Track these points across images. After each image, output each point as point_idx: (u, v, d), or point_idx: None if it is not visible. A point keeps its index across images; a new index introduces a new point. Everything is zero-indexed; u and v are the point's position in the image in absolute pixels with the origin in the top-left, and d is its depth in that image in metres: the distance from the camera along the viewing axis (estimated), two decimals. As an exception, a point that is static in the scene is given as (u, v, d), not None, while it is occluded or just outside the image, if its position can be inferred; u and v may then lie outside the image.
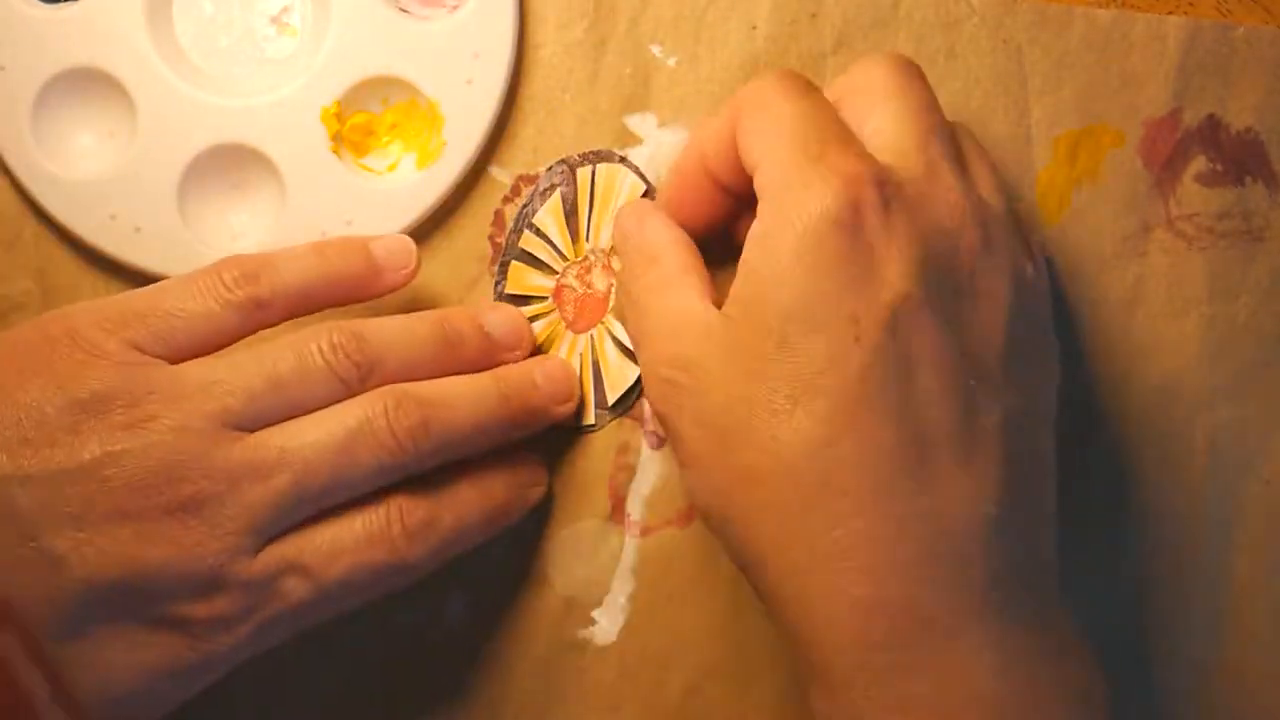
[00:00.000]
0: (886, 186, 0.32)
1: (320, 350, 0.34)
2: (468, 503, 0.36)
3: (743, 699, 0.40)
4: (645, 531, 0.40)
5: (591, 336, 0.40)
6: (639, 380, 0.40)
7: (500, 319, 0.38)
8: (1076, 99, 0.41)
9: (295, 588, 0.34)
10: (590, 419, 0.40)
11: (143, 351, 0.34)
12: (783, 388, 0.31)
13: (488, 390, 0.37)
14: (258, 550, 0.33)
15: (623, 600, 0.40)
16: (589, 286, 0.40)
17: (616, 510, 0.40)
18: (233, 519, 0.33)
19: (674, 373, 0.33)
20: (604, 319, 0.40)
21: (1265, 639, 0.41)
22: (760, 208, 0.33)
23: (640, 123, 0.40)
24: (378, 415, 0.34)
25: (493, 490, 0.37)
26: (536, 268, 0.40)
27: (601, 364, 0.40)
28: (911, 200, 0.32)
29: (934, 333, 0.32)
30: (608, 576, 0.40)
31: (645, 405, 0.41)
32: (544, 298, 0.40)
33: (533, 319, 0.40)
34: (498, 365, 0.38)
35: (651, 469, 0.40)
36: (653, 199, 0.40)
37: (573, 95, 0.40)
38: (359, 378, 0.35)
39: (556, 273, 0.40)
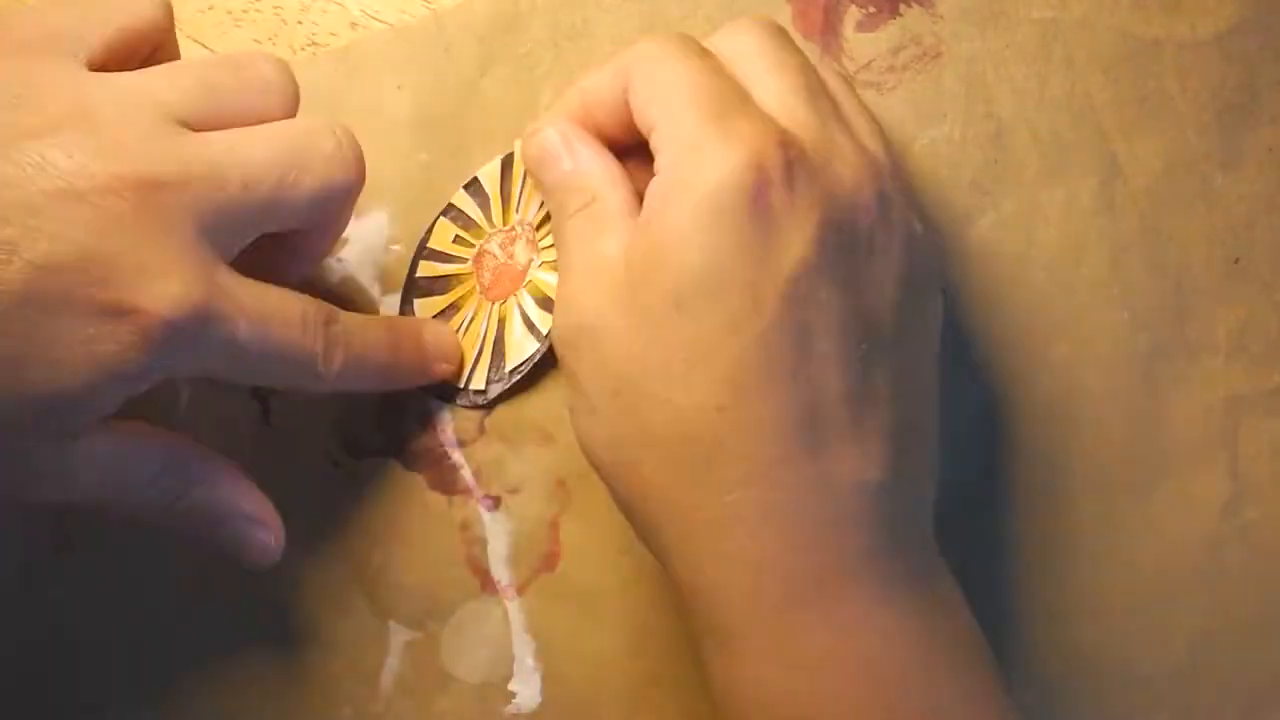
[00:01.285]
0: (789, 150, 0.32)
1: (255, 62, 0.36)
2: (376, 344, 0.38)
3: (682, 693, 0.40)
4: (520, 589, 0.40)
5: (501, 306, 0.40)
6: (535, 353, 0.40)
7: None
8: (717, 9, 0.41)
9: (243, 328, 0.33)
10: (481, 385, 0.40)
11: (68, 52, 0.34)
12: (680, 351, 0.31)
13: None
14: (214, 260, 0.33)
15: (531, 662, 0.40)
16: (510, 257, 0.40)
17: (485, 583, 0.40)
18: (188, 211, 0.32)
19: (582, 318, 0.34)
20: (517, 292, 0.40)
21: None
22: (660, 166, 0.33)
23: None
24: (318, 128, 0.35)
25: (404, 345, 0.39)
26: (463, 227, 0.41)
27: (506, 334, 0.40)
28: (812, 165, 0.32)
29: (832, 299, 0.32)
30: (507, 647, 0.40)
31: (465, 475, 0.41)
32: (464, 259, 0.41)
33: (447, 277, 0.41)
34: None
35: (499, 530, 0.40)
36: None
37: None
38: (288, 84, 0.36)
39: (482, 237, 0.41)
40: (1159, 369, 0.41)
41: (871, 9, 0.42)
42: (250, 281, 0.34)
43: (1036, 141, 0.41)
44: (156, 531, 0.41)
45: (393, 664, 0.40)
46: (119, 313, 0.31)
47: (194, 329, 0.32)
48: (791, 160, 0.32)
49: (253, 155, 0.34)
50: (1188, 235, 0.41)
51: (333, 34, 0.43)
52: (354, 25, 0.43)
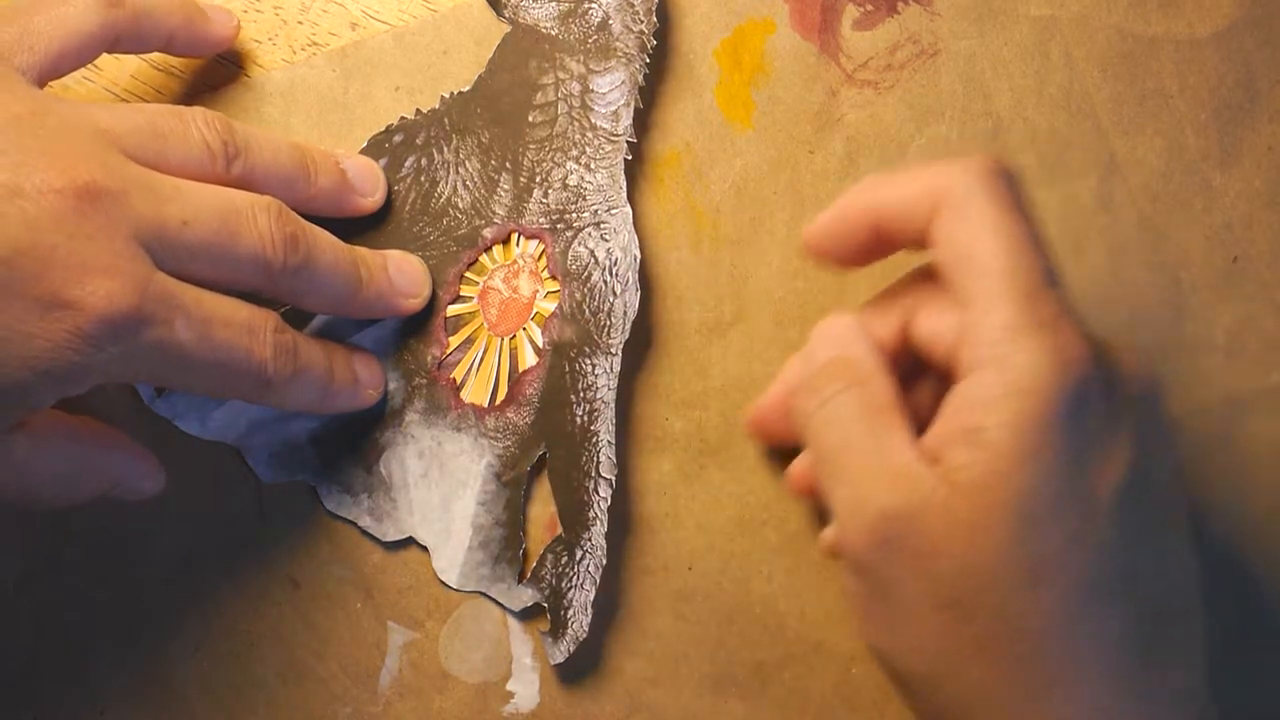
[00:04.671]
0: (1105, 363, 0.32)
1: (194, 119, 0.36)
2: (317, 359, 0.38)
3: (680, 693, 0.40)
4: (518, 589, 0.40)
5: (511, 340, 0.40)
6: None
7: (358, 165, 0.40)
8: (714, 8, 0.41)
9: (182, 329, 0.33)
10: None
11: (16, 66, 0.35)
12: (1026, 564, 0.31)
13: (347, 257, 0.38)
14: (151, 270, 0.33)
15: (529, 661, 0.40)
16: (515, 291, 0.40)
17: (484, 583, 0.40)
18: (129, 222, 0.33)
19: (894, 527, 0.32)
20: (525, 325, 0.40)
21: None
22: (980, 366, 0.31)
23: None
24: (260, 209, 0.36)
25: (337, 365, 0.39)
26: (467, 265, 0.41)
27: (518, 368, 0.40)
28: (1120, 376, 0.32)
29: (1155, 504, 0.32)
30: (505, 647, 0.40)
31: (464, 475, 0.40)
32: (469, 298, 0.41)
33: (456, 317, 0.40)
34: (348, 210, 0.40)
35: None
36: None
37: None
38: (226, 156, 0.36)
39: (485, 274, 0.41)
40: (1158, 368, 0.41)
41: (869, 7, 0.42)
42: (191, 286, 0.34)
43: (1035, 140, 0.41)
44: (156, 533, 0.41)
45: (391, 664, 0.40)
46: (54, 306, 0.31)
47: (131, 325, 0.32)
48: (1109, 371, 0.32)
49: (194, 200, 0.34)
50: (1186, 233, 0.41)
51: (333, 34, 0.43)
52: (354, 25, 0.43)
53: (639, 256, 0.40)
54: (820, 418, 0.34)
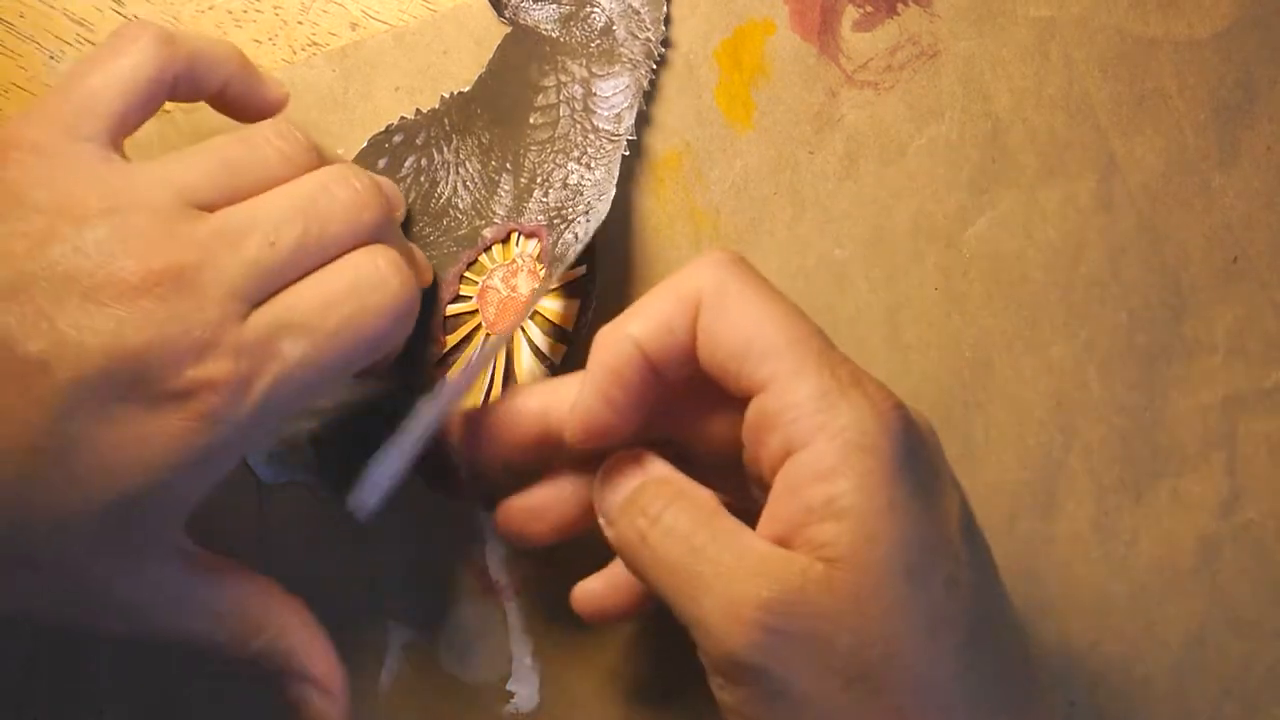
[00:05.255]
0: (909, 411, 0.32)
1: (265, 137, 0.35)
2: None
3: (680, 693, 0.40)
4: (518, 589, 0.40)
5: (509, 338, 0.40)
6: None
7: (386, 183, 0.39)
8: (714, 9, 0.41)
9: (292, 347, 0.32)
10: None
11: (84, 137, 0.33)
12: (920, 618, 0.30)
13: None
14: (244, 317, 0.32)
15: (529, 661, 0.40)
16: (513, 290, 0.40)
17: (484, 583, 0.40)
18: (213, 285, 0.32)
19: (778, 616, 0.30)
20: (523, 324, 0.40)
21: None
22: (803, 440, 0.31)
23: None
24: (333, 182, 0.34)
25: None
26: (466, 265, 0.41)
27: (515, 365, 0.40)
28: (919, 422, 0.32)
29: (980, 543, 0.32)
30: (505, 647, 0.40)
31: (465, 475, 0.40)
32: (469, 297, 0.41)
33: (455, 316, 0.41)
34: None
35: (497, 530, 0.40)
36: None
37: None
38: (305, 152, 0.35)
39: (484, 273, 0.41)
40: (1157, 368, 0.41)
41: (869, 8, 0.42)
42: (284, 293, 0.33)
43: (1034, 140, 0.41)
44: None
45: (392, 664, 0.40)
46: (160, 401, 0.31)
47: (238, 386, 0.31)
48: (913, 417, 0.32)
49: (273, 215, 0.33)
50: (1186, 234, 0.41)
51: (333, 34, 0.43)
52: (354, 26, 0.43)
53: (604, 214, 0.40)
54: (657, 534, 0.32)
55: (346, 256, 0.34)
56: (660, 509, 0.32)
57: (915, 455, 0.31)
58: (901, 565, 0.30)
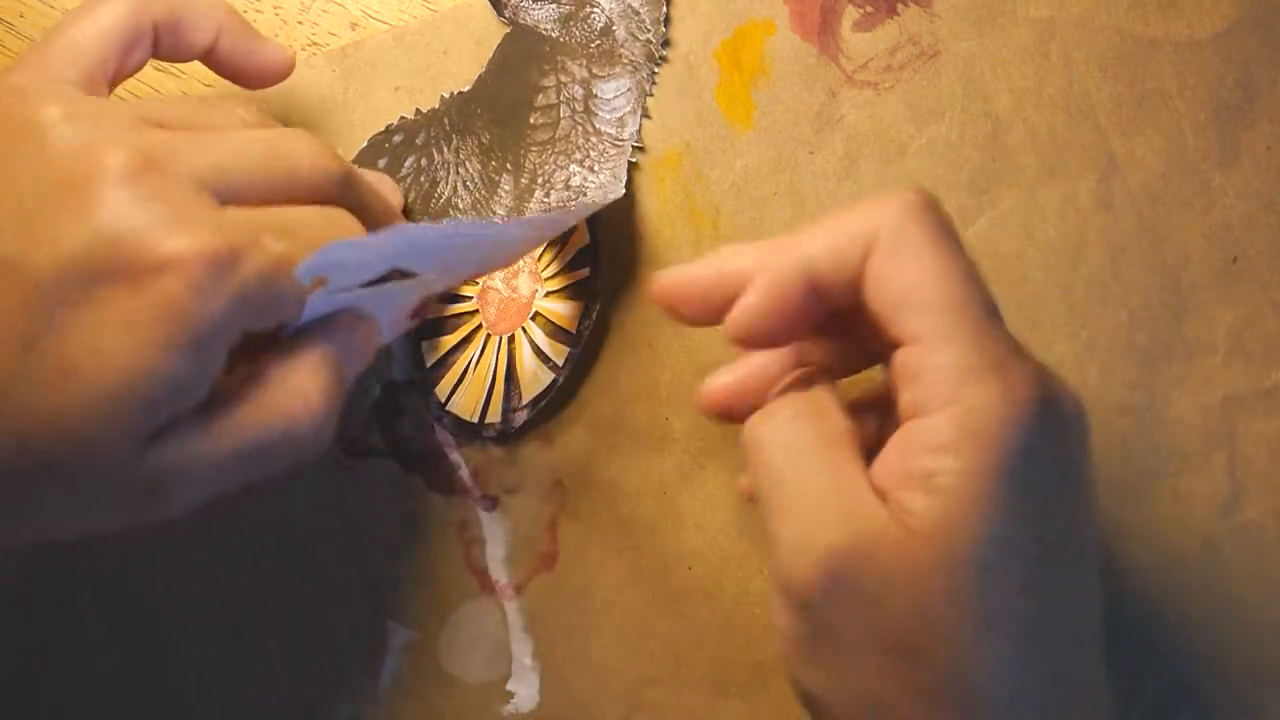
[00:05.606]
0: (1052, 404, 0.31)
1: (231, 105, 0.35)
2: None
3: (681, 693, 0.40)
4: (519, 589, 0.40)
5: (510, 339, 0.40)
6: (552, 385, 0.40)
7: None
8: (714, 9, 0.41)
9: (273, 242, 0.31)
10: (496, 418, 0.40)
11: (65, 81, 0.34)
12: (980, 612, 0.30)
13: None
14: (220, 208, 0.32)
15: (529, 661, 0.40)
16: (514, 290, 0.41)
17: (484, 583, 0.40)
18: (186, 175, 0.31)
19: (844, 564, 0.30)
20: (524, 323, 0.40)
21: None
22: (932, 407, 0.30)
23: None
24: (295, 136, 0.34)
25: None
26: None
27: (517, 366, 0.40)
28: (1062, 416, 0.32)
29: (1084, 544, 0.32)
30: (505, 647, 0.40)
31: (464, 475, 0.41)
32: (469, 297, 0.41)
33: (455, 316, 0.41)
34: None
35: (497, 530, 0.40)
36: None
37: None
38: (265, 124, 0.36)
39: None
40: (1157, 368, 0.41)
41: (869, 8, 0.42)
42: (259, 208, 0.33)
43: (1034, 141, 0.41)
44: (155, 534, 0.41)
45: (391, 664, 0.40)
46: (145, 275, 0.30)
47: (224, 260, 0.30)
48: (1055, 411, 0.31)
49: (242, 135, 0.33)
50: (1186, 234, 0.41)
51: (333, 34, 0.43)
52: (354, 25, 0.43)
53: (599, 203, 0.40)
54: (773, 441, 0.32)
55: (313, 206, 0.34)
56: (788, 418, 0.33)
57: (1035, 454, 0.30)
58: (978, 558, 0.30)
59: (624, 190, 0.40)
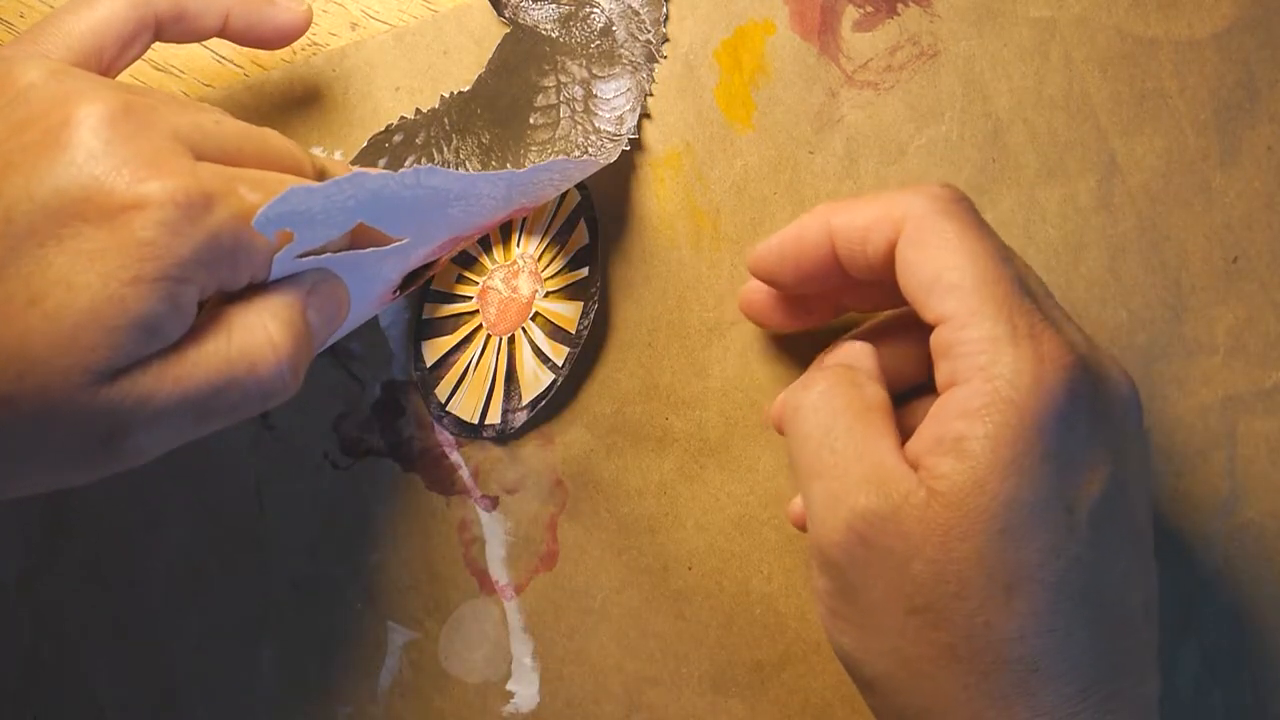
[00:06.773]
0: (1091, 373, 0.32)
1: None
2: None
3: (680, 694, 0.40)
4: (519, 589, 0.40)
5: (510, 339, 0.40)
6: (552, 385, 0.40)
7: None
8: (714, 9, 0.41)
9: (249, 193, 0.32)
10: (496, 418, 0.40)
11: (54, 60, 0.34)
12: (1001, 575, 0.31)
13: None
14: (195, 160, 0.32)
15: (529, 661, 0.40)
16: (514, 291, 0.41)
17: (484, 583, 0.40)
18: (163, 125, 0.32)
19: (870, 526, 0.32)
20: (524, 324, 0.40)
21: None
22: (963, 378, 0.31)
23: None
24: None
25: None
26: (465, 266, 0.41)
27: (517, 366, 0.40)
28: (1104, 383, 0.32)
29: (1128, 517, 0.32)
30: (505, 647, 0.40)
31: (464, 475, 0.41)
32: (468, 297, 0.41)
33: (455, 316, 0.41)
34: None
35: (497, 530, 0.40)
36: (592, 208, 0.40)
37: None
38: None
39: (484, 274, 0.41)
40: (1157, 368, 0.41)
41: (869, 8, 0.42)
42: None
43: (1034, 140, 0.41)
44: (156, 532, 0.41)
45: (391, 664, 0.40)
46: (118, 213, 0.30)
47: (198, 203, 0.30)
48: (1095, 381, 0.32)
49: (220, 111, 0.34)
50: (1186, 234, 0.41)
51: (333, 34, 0.43)
52: (354, 26, 0.43)
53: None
54: (808, 409, 0.34)
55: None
56: (824, 390, 0.34)
57: (1065, 420, 0.31)
58: (1001, 521, 0.30)
59: (613, 159, 0.40)
